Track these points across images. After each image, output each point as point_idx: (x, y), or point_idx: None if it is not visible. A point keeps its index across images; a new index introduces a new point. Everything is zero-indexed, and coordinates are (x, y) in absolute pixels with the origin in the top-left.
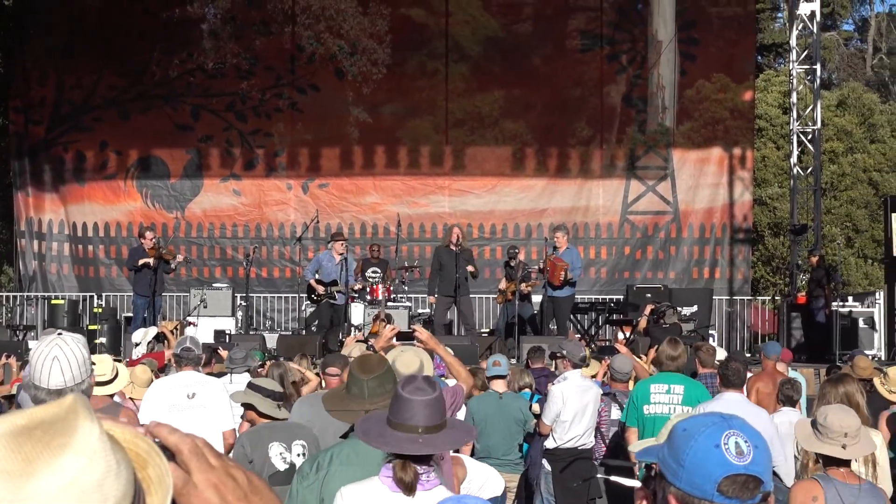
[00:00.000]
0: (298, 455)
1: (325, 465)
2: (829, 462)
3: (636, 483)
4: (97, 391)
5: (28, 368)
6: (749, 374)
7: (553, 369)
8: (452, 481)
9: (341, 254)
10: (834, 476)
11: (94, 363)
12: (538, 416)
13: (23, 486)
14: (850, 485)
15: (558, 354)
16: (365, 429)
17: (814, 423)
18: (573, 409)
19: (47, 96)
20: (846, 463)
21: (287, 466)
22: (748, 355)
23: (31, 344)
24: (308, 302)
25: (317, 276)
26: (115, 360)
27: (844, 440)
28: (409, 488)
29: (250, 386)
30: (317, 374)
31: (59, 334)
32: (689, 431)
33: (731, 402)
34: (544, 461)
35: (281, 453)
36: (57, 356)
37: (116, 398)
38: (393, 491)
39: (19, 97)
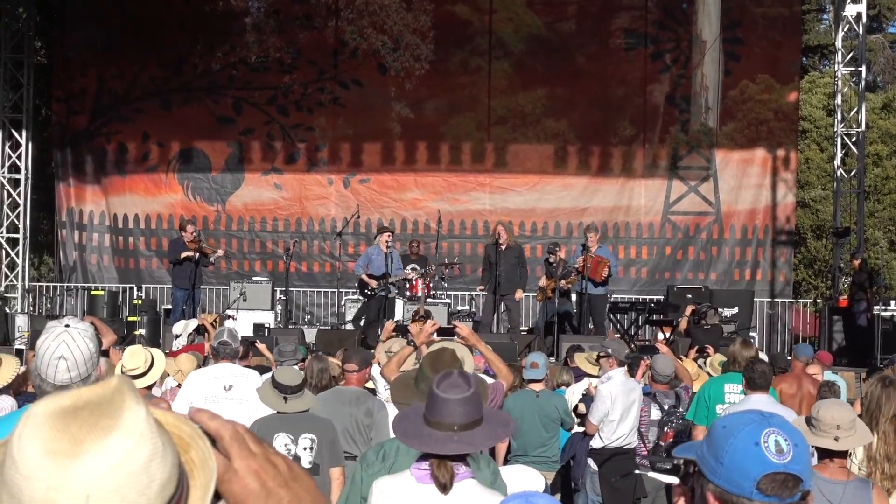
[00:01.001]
0: (305, 449)
1: (393, 455)
2: (824, 455)
3: (674, 479)
4: None
5: (35, 358)
6: None
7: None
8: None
9: (388, 246)
10: (819, 472)
11: (103, 355)
12: (584, 416)
13: (70, 466)
14: (835, 481)
15: (602, 354)
16: (402, 428)
17: (808, 420)
18: (620, 408)
19: (89, 87)
20: (841, 456)
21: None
22: (789, 358)
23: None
24: (361, 297)
25: (366, 270)
26: (149, 349)
27: (837, 432)
28: (444, 487)
29: (272, 377)
30: None
31: (67, 326)
32: (729, 429)
33: (759, 403)
34: (590, 461)
35: (286, 444)
36: (64, 355)
37: (160, 388)
38: (419, 482)
39: (61, 87)
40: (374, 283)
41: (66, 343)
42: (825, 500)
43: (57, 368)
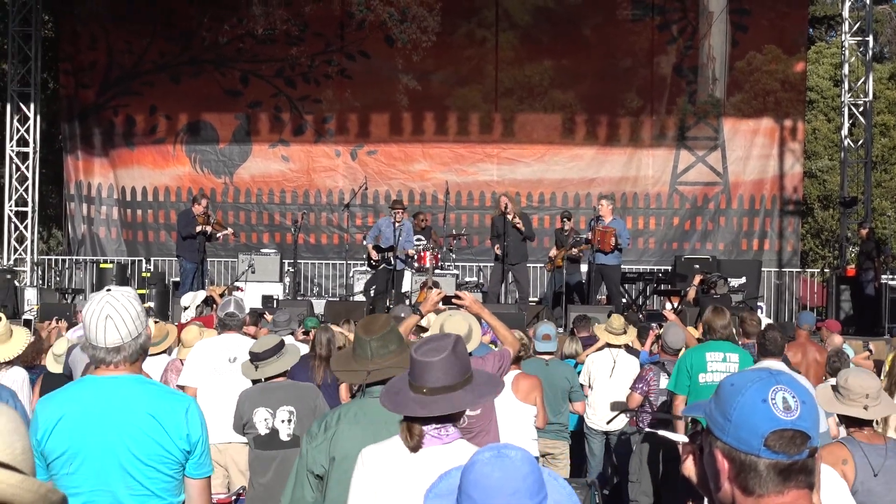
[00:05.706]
0: (283, 421)
1: (333, 424)
2: (852, 424)
3: (683, 438)
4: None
5: (81, 329)
6: None
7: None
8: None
9: (398, 220)
10: (859, 438)
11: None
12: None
13: None
14: (876, 445)
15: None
16: (385, 390)
17: (834, 387)
18: None
19: (98, 60)
20: (868, 424)
21: (268, 431)
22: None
23: (80, 306)
24: (367, 267)
25: (376, 241)
26: (157, 322)
27: (866, 401)
28: (413, 449)
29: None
30: None
31: (108, 290)
32: (737, 386)
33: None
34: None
35: (265, 419)
36: (110, 314)
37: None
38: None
39: (69, 60)
40: (374, 255)
41: (111, 303)
42: (867, 464)
43: (105, 329)
